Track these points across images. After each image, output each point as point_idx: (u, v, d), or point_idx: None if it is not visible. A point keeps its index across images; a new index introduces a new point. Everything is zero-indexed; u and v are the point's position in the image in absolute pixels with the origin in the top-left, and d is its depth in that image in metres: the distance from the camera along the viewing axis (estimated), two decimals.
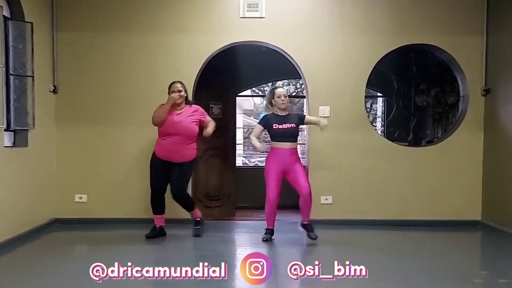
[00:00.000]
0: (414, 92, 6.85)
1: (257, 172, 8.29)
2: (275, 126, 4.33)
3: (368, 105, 8.51)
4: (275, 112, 4.43)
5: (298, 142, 4.50)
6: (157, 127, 4.45)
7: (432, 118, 7.16)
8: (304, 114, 4.90)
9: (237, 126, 6.99)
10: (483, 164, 5.26)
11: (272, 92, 4.44)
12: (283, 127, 4.34)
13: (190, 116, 4.44)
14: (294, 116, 4.47)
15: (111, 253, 3.98)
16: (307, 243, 4.43)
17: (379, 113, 8.63)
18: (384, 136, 6.12)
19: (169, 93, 4.45)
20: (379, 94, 8.19)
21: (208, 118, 4.60)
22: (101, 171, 5.20)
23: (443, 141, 5.44)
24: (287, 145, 4.34)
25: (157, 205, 4.51)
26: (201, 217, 4.70)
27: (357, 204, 5.25)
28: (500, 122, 4.98)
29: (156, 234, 4.52)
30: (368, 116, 6.52)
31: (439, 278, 3.33)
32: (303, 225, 4.47)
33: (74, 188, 5.18)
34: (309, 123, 4.68)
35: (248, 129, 11.10)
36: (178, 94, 4.40)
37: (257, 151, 4.59)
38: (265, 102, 4.80)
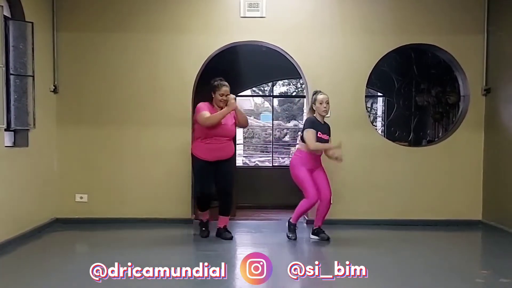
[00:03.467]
0: (414, 91, 6.86)
1: (257, 172, 8.35)
2: (319, 134, 4.33)
3: (369, 104, 8.52)
4: (317, 118, 4.40)
5: None
6: (193, 129, 4.50)
7: (432, 117, 7.16)
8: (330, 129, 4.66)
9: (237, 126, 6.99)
10: (484, 164, 5.26)
11: (314, 97, 4.40)
12: (325, 138, 4.37)
13: (230, 117, 4.44)
14: (328, 127, 4.47)
15: (111, 253, 3.98)
16: (306, 243, 4.44)
17: (379, 112, 8.64)
18: (384, 136, 6.12)
19: (215, 93, 4.36)
20: (379, 93, 8.20)
21: (238, 111, 4.49)
22: (102, 170, 5.20)
23: (443, 140, 5.44)
24: (319, 152, 4.41)
25: (206, 204, 4.55)
26: (228, 224, 4.67)
27: (357, 204, 5.24)
28: (501, 121, 4.97)
29: (207, 229, 4.59)
30: (369, 116, 6.52)
31: (440, 278, 3.34)
32: (315, 231, 4.50)
33: (75, 188, 5.19)
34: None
35: (248, 129, 11.10)
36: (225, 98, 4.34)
37: (332, 155, 4.36)
38: (307, 106, 4.67)
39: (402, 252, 4.15)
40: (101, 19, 5.16)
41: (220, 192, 4.50)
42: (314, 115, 4.41)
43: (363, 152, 5.25)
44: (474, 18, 5.20)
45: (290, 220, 4.50)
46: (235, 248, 4.36)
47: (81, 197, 5.19)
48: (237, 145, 6.90)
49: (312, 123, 4.34)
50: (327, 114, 4.41)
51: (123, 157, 5.20)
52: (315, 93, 4.44)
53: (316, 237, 4.47)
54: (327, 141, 4.38)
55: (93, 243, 4.50)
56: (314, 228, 4.52)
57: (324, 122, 4.44)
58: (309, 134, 4.30)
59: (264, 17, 5.16)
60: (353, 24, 5.22)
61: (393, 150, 5.33)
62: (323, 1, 5.25)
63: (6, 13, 4.26)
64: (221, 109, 4.33)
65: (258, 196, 7.17)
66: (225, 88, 4.37)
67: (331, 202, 4.44)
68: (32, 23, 4.50)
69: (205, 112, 4.30)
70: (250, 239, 4.74)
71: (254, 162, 9.74)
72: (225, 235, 4.51)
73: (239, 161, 8.72)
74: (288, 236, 4.49)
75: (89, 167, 5.20)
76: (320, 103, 4.34)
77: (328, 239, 4.42)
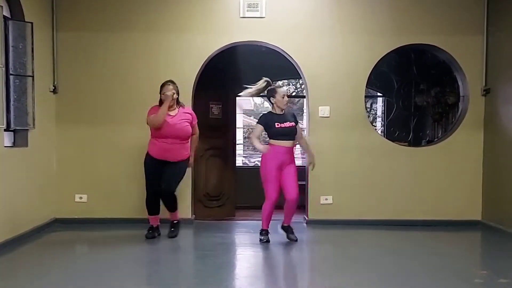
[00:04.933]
0: (414, 92, 6.86)
1: (257, 172, 8.32)
2: (277, 125, 4.30)
3: (368, 105, 8.52)
4: (273, 111, 4.40)
5: (296, 142, 4.47)
6: (149, 128, 4.43)
7: (432, 118, 7.16)
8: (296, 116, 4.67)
9: (237, 126, 6.99)
10: (483, 164, 5.26)
11: (275, 90, 4.37)
12: (285, 125, 4.32)
13: (184, 118, 4.45)
14: (290, 115, 4.43)
15: (111, 253, 3.99)
16: (307, 243, 4.44)
17: (379, 113, 8.63)
18: (384, 136, 6.12)
19: (161, 94, 4.42)
20: (379, 94, 8.19)
21: (196, 128, 4.61)
22: (101, 171, 5.20)
23: (443, 141, 5.44)
24: (287, 143, 4.33)
25: (154, 206, 4.52)
26: (178, 219, 4.70)
27: (357, 204, 5.25)
28: (500, 122, 4.97)
29: (154, 233, 4.54)
30: (368, 116, 6.53)
31: (439, 278, 3.34)
32: (283, 227, 4.49)
33: (74, 188, 5.19)
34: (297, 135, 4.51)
35: (248, 129, 11.11)
36: (171, 93, 4.38)
37: (258, 152, 4.42)
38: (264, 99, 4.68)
39: (402, 252, 4.15)
40: (100, 19, 5.16)
41: (162, 191, 4.42)
42: (272, 110, 4.39)
43: (362, 152, 5.25)
44: (473, 18, 5.21)
45: (262, 227, 4.46)
46: (234, 248, 4.36)
47: (81, 197, 5.19)
48: (237, 145, 6.89)
49: (263, 118, 4.36)
50: (286, 106, 4.39)
51: (122, 157, 5.19)
52: (276, 87, 4.40)
53: (284, 233, 4.48)
54: (291, 128, 4.31)
55: (93, 243, 4.50)
56: (283, 224, 4.49)
57: (284, 112, 4.39)
58: (255, 130, 4.40)
59: (263, 17, 5.17)
60: (352, 24, 5.23)
61: (392, 150, 5.33)
62: (323, 1, 5.25)
63: (6, 13, 4.26)
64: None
65: (258, 196, 7.10)
66: (168, 86, 4.40)
67: (298, 203, 4.36)
68: (31, 23, 4.50)
69: (151, 115, 4.36)
70: (249, 239, 4.73)
71: (254, 162, 9.73)
72: (170, 232, 4.60)
73: (239, 161, 8.71)
74: (260, 239, 4.45)
75: (88, 167, 5.20)
76: (282, 97, 4.34)
77: (296, 240, 4.40)
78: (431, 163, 5.29)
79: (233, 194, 6.13)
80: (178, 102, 4.50)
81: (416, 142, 6.55)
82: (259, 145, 4.30)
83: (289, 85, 10.88)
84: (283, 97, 4.34)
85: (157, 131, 4.36)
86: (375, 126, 7.96)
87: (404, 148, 5.46)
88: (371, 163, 5.26)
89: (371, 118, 8.41)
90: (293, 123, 4.35)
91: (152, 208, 4.53)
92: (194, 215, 5.37)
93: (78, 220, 5.15)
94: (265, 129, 4.37)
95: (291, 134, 4.34)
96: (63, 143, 5.18)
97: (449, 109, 6.78)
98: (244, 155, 9.90)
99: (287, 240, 4.43)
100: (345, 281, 3.31)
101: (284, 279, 3.56)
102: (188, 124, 4.46)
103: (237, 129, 7.04)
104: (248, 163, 9.69)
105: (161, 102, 4.42)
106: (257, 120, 4.48)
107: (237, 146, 7.01)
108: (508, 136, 4.81)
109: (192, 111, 4.65)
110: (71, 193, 5.18)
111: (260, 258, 4.09)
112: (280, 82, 8.66)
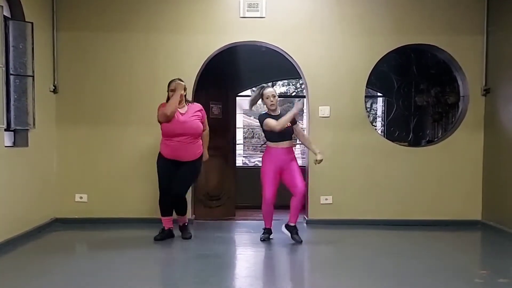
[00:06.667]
0: (414, 92, 6.85)
1: (257, 172, 8.32)
2: None
3: (368, 105, 8.52)
4: (269, 113, 4.41)
5: (293, 141, 4.47)
6: (160, 128, 4.36)
7: (432, 118, 7.16)
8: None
9: (237, 126, 7.00)
10: (483, 164, 5.27)
11: (261, 93, 4.40)
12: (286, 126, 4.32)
13: (194, 115, 4.41)
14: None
15: (111, 253, 3.99)
16: (307, 243, 4.44)
17: (379, 113, 8.63)
18: (384, 136, 6.12)
19: (168, 91, 4.41)
20: (379, 94, 8.19)
21: (206, 124, 4.55)
22: (102, 170, 5.20)
23: (443, 141, 5.44)
24: (284, 144, 4.34)
25: (166, 207, 4.46)
26: (187, 222, 4.69)
27: (357, 204, 5.25)
28: (500, 121, 4.98)
29: (165, 236, 4.48)
30: (368, 116, 6.52)
31: (439, 278, 3.34)
32: (287, 227, 4.43)
33: (75, 187, 5.19)
34: (298, 134, 4.54)
35: (248, 129, 11.11)
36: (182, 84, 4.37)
37: (296, 112, 4.30)
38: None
39: (402, 252, 4.15)
40: (101, 19, 5.16)
41: (172, 194, 4.37)
42: (267, 112, 4.41)
43: (362, 152, 5.25)
44: (474, 18, 5.21)
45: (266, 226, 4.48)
46: (235, 248, 4.36)
47: (81, 197, 5.19)
48: (237, 145, 6.90)
49: (265, 115, 4.35)
50: (275, 107, 4.36)
51: (123, 157, 5.20)
52: (261, 89, 4.42)
53: (288, 233, 4.41)
54: (286, 129, 4.30)
55: (93, 243, 4.50)
56: (288, 223, 4.42)
57: (280, 112, 4.40)
58: (269, 121, 4.28)
59: (263, 17, 5.17)
60: (352, 24, 5.23)
61: (392, 150, 5.33)
62: (323, 1, 5.25)
63: (6, 13, 4.26)
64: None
65: (258, 196, 7.12)
66: (175, 82, 4.38)
67: (306, 196, 4.35)
68: (32, 23, 4.50)
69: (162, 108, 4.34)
70: (249, 239, 4.74)
71: (254, 162, 9.73)
72: (183, 234, 4.56)
73: (239, 161, 8.72)
74: (260, 237, 4.47)
75: (89, 167, 5.20)
76: (267, 98, 4.35)
77: (300, 241, 4.35)
78: (431, 163, 5.29)
79: (233, 194, 6.13)
80: (186, 99, 4.49)
81: (416, 142, 6.54)
82: (290, 114, 4.23)
83: (289, 85, 10.89)
84: (267, 98, 4.34)
85: (168, 130, 4.28)
86: (375, 126, 7.96)
87: (404, 148, 5.46)
88: (371, 163, 5.26)
89: (371, 118, 8.42)
90: (288, 124, 4.34)
91: (165, 209, 4.47)
92: (194, 215, 5.38)
93: (79, 220, 5.15)
94: (263, 130, 4.40)
95: (286, 135, 4.36)
96: (63, 143, 5.18)
97: (449, 109, 6.79)
98: (244, 155, 9.90)
99: (291, 241, 4.39)
100: (345, 281, 3.31)
101: (284, 279, 3.56)
102: (199, 120, 4.42)
103: (237, 129, 7.05)
104: (248, 163, 9.69)
105: (168, 100, 4.39)
106: (260, 122, 4.40)
107: (237, 146, 7.01)
108: (508, 136, 4.81)
109: (201, 107, 4.55)
110: (71, 193, 5.19)
111: (260, 258, 4.10)
112: (280, 82, 8.68)
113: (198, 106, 4.54)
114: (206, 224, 5.37)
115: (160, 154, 4.43)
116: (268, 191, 4.31)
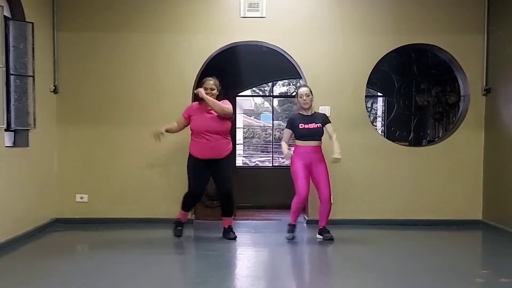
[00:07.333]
0: (414, 91, 6.86)
1: (257, 172, 8.35)
2: (301, 126, 4.40)
3: (369, 104, 8.52)
4: (300, 112, 4.50)
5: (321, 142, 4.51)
6: (189, 128, 4.43)
7: (432, 117, 7.17)
8: (329, 118, 4.64)
9: (237, 126, 7.00)
10: (484, 163, 5.26)
11: (296, 92, 4.52)
12: (309, 126, 4.41)
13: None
14: (320, 116, 4.53)
15: (111, 253, 3.99)
16: (307, 243, 4.44)
17: (379, 112, 8.64)
18: (384, 136, 6.12)
19: (195, 88, 4.42)
20: (379, 93, 8.20)
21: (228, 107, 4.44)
22: (102, 170, 5.20)
23: (443, 140, 5.44)
24: (311, 143, 4.42)
25: (191, 204, 4.58)
26: (232, 224, 4.68)
27: (358, 204, 5.24)
28: (501, 121, 4.97)
29: (182, 231, 4.58)
30: (369, 116, 6.52)
31: (440, 277, 3.33)
32: (319, 231, 4.50)
33: (75, 188, 5.18)
34: (328, 134, 4.54)
35: (248, 129, 11.12)
36: (210, 91, 4.37)
37: (284, 157, 4.65)
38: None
39: (402, 252, 4.15)
40: (101, 19, 5.16)
41: (219, 194, 4.51)
42: (299, 111, 4.52)
43: (363, 152, 5.25)
44: (474, 18, 5.20)
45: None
46: (235, 248, 4.36)
47: (81, 197, 5.19)
48: (237, 145, 6.90)
49: (290, 121, 4.50)
50: (308, 106, 4.47)
51: (123, 157, 5.19)
52: (298, 87, 4.53)
53: (321, 237, 4.49)
54: (316, 129, 4.41)
55: (93, 243, 4.49)
56: (319, 227, 4.53)
57: (314, 112, 4.53)
58: (284, 134, 4.54)
59: (264, 17, 5.17)
60: (353, 24, 5.22)
61: (393, 150, 5.33)
62: (323, 1, 5.25)
63: (6, 13, 4.26)
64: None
65: (258, 196, 7.18)
66: (209, 82, 4.41)
67: (331, 201, 4.44)
68: (32, 23, 4.50)
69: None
70: (250, 239, 4.74)
71: (254, 162, 9.74)
72: (228, 235, 4.54)
73: (239, 161, 8.72)
74: (286, 237, 4.49)
75: (89, 167, 5.20)
76: (300, 97, 4.48)
77: (331, 238, 4.42)
78: (432, 162, 5.29)
79: (234, 194, 6.11)
80: (217, 98, 4.45)
81: (416, 142, 6.55)
82: (285, 150, 4.44)
83: (289, 85, 10.90)
84: (300, 97, 4.48)
85: (199, 128, 4.33)
86: (376, 126, 7.97)
87: (404, 148, 5.45)
88: (371, 163, 5.26)
89: (372, 117, 8.42)
90: (319, 125, 4.43)
91: (188, 206, 4.58)
92: (194, 215, 5.37)
93: (79, 220, 5.15)
94: (292, 130, 4.48)
95: (315, 135, 4.44)
96: (64, 143, 5.18)
97: (450, 109, 6.79)
98: (244, 155, 9.90)
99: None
100: (345, 280, 3.31)
101: (285, 279, 3.56)
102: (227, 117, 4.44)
103: (237, 129, 7.05)
104: (248, 163, 9.70)
105: (196, 97, 4.45)
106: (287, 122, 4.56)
107: (237, 146, 7.01)
108: (508, 136, 4.81)
109: (226, 100, 4.51)
110: (71, 193, 5.18)
111: (260, 258, 4.09)
112: (280, 82, 8.69)
113: (223, 101, 4.48)
114: (206, 224, 5.36)
115: (190, 155, 4.43)
116: (302, 186, 4.34)
